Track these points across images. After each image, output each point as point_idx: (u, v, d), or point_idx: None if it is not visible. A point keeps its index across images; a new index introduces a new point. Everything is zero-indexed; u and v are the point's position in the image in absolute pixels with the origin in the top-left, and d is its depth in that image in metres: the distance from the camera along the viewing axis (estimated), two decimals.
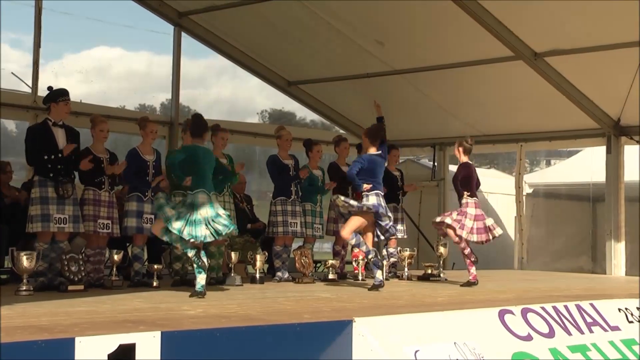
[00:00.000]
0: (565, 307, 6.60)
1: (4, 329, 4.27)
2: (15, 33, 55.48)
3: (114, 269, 7.79)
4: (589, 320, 6.64)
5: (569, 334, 6.30)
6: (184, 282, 8.12)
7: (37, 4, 10.81)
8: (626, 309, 7.02)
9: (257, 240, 10.24)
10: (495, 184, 14.65)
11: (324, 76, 13.04)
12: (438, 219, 9.16)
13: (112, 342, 4.11)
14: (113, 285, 7.65)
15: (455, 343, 5.39)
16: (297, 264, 9.09)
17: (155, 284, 7.91)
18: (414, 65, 12.02)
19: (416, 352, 5.13)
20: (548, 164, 24.71)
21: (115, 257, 7.79)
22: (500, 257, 13.91)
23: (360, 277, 9.32)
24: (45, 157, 7.35)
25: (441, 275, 9.77)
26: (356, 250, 9.77)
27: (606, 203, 12.36)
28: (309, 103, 13.94)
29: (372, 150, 8.33)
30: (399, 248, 10.14)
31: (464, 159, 9.09)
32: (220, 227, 7.14)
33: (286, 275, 9.21)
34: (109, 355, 4.07)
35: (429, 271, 9.86)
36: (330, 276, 9.28)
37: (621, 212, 12.16)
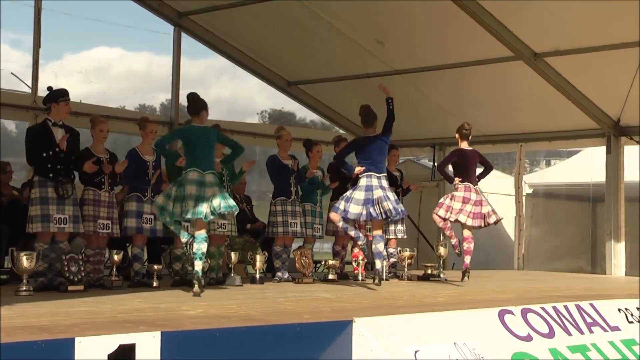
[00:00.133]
0: (565, 307, 6.60)
1: (4, 329, 4.27)
2: (15, 33, 55.46)
3: (114, 269, 7.79)
4: (588, 320, 6.63)
5: (569, 334, 6.29)
6: (184, 282, 8.11)
7: (36, 4, 10.81)
8: (626, 309, 7.02)
9: (257, 240, 10.25)
10: (495, 184, 14.64)
11: (324, 76, 13.05)
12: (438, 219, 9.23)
13: (112, 342, 4.11)
14: (113, 286, 7.64)
15: (455, 343, 5.39)
16: (297, 264, 9.09)
17: (155, 284, 7.91)
18: (414, 65, 12.02)
19: (416, 352, 5.13)
20: (548, 164, 24.72)
21: (115, 257, 7.78)
22: (500, 257, 13.92)
23: (360, 277, 9.32)
24: (44, 155, 7.35)
25: (441, 275, 9.77)
26: (356, 250, 9.79)
27: (606, 203, 12.37)
28: (308, 103, 13.94)
29: (367, 133, 8.35)
30: (398, 248, 10.14)
31: (463, 145, 9.19)
32: (216, 205, 7.16)
33: (286, 275, 9.21)
34: (109, 356, 4.07)
35: (429, 271, 9.86)
36: (330, 276, 9.28)
37: (621, 213, 12.17)
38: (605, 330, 6.62)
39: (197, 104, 7.62)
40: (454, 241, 9.20)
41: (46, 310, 5.51)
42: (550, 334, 6.13)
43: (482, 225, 9.13)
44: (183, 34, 12.37)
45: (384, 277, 9.70)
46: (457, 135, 9.35)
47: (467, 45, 11.12)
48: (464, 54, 11.38)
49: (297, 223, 9.21)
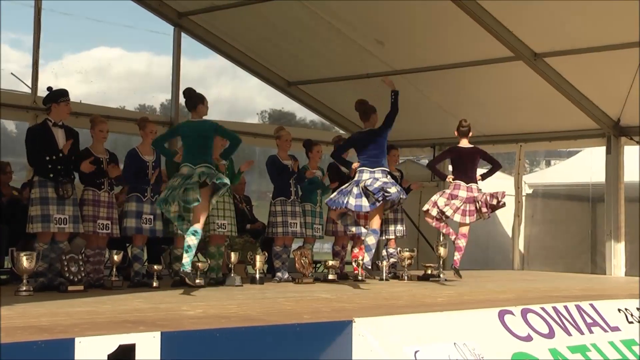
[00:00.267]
0: (565, 307, 6.59)
1: (4, 329, 4.27)
2: (15, 33, 55.49)
3: (114, 270, 7.79)
4: (588, 320, 6.63)
5: (569, 334, 6.29)
6: (184, 282, 8.11)
7: (36, 4, 10.81)
8: (626, 309, 7.02)
9: (257, 240, 10.25)
10: (494, 184, 14.62)
11: (323, 76, 13.05)
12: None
13: (112, 342, 4.11)
14: (113, 286, 7.64)
15: (455, 343, 5.39)
16: (296, 265, 9.09)
17: (155, 284, 7.91)
18: (414, 65, 12.02)
19: (416, 352, 5.13)
20: (548, 164, 24.70)
21: (115, 257, 7.78)
22: (500, 257, 13.92)
23: (360, 278, 9.32)
24: (46, 157, 7.35)
25: (441, 275, 9.76)
26: (356, 250, 9.80)
27: (606, 203, 12.37)
28: (308, 103, 13.94)
29: (365, 127, 8.39)
30: (398, 248, 10.14)
31: (462, 142, 9.19)
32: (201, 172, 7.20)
33: (286, 275, 9.21)
34: (108, 356, 4.07)
35: (429, 271, 9.85)
36: (330, 276, 9.28)
37: (621, 213, 12.17)
38: (605, 331, 6.62)
39: (192, 98, 7.65)
40: (453, 237, 9.16)
41: (46, 311, 5.51)
42: (550, 334, 6.13)
43: (475, 218, 9.03)
44: (183, 34, 12.37)
45: (384, 277, 9.73)
46: (456, 133, 9.34)
47: (467, 46, 11.12)
48: (464, 54, 11.38)
49: (296, 223, 9.21)
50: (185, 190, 7.16)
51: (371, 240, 8.00)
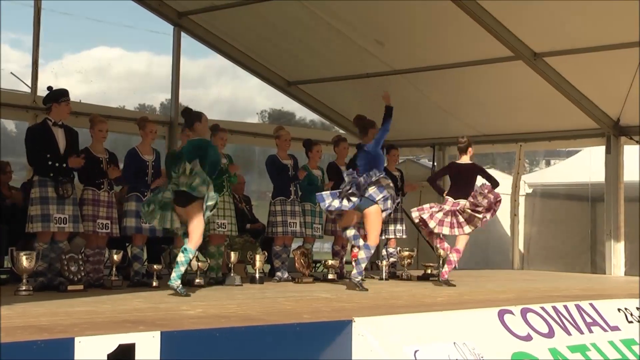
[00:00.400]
0: (565, 307, 6.60)
1: (4, 329, 4.27)
2: (15, 33, 55.48)
3: (114, 269, 7.79)
4: (588, 320, 6.64)
5: (569, 334, 6.30)
6: (184, 282, 8.10)
7: (36, 4, 10.81)
8: (626, 309, 7.02)
9: (257, 240, 10.25)
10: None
11: (323, 76, 13.05)
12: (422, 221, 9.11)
13: (112, 342, 4.11)
14: (113, 285, 7.65)
15: (454, 343, 5.39)
16: (296, 264, 9.09)
17: (154, 284, 7.91)
18: (413, 65, 12.02)
19: (416, 352, 5.13)
20: (547, 164, 24.70)
21: (115, 257, 7.78)
22: (499, 257, 13.92)
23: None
24: (46, 157, 7.35)
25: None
26: (355, 250, 9.79)
27: (606, 203, 12.37)
28: (308, 103, 13.94)
29: (364, 142, 8.51)
30: (398, 248, 10.15)
31: (462, 159, 9.12)
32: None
33: (286, 275, 9.21)
34: (108, 355, 4.07)
35: (429, 271, 9.86)
36: (330, 276, 9.28)
37: (620, 212, 12.17)
38: (605, 330, 6.62)
39: (187, 118, 7.50)
40: (447, 252, 9.04)
41: (46, 310, 5.52)
42: (550, 334, 6.13)
43: (466, 231, 8.86)
44: (183, 34, 12.37)
45: (384, 277, 9.73)
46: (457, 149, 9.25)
47: (467, 45, 11.12)
48: (463, 54, 11.38)
49: (296, 223, 9.22)
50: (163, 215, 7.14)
51: (361, 254, 8.07)
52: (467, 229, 8.82)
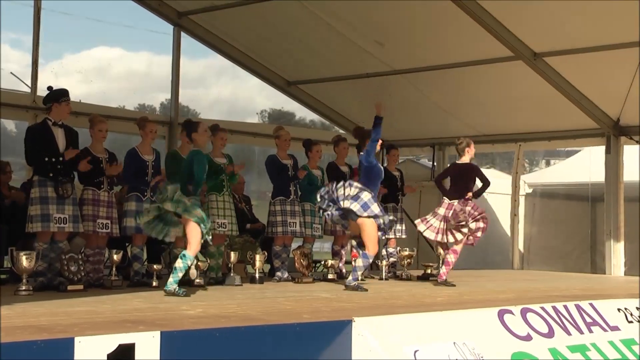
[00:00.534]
0: (565, 307, 6.60)
1: (3, 329, 4.27)
2: (15, 33, 55.55)
3: (114, 269, 7.79)
4: (588, 320, 6.64)
5: (569, 334, 6.30)
6: (184, 282, 8.10)
7: (36, 4, 10.81)
8: (625, 309, 7.03)
9: (257, 240, 10.25)
10: (494, 184, 14.62)
11: (323, 76, 13.04)
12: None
13: (112, 342, 4.11)
14: (112, 285, 7.65)
15: (454, 343, 5.39)
16: (296, 264, 9.09)
17: (154, 283, 7.90)
18: (413, 65, 12.02)
19: (415, 352, 5.13)
20: (547, 164, 24.73)
21: (115, 257, 7.78)
22: (499, 257, 13.92)
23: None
24: (44, 155, 7.34)
25: None
26: (354, 250, 9.79)
27: (605, 203, 12.37)
28: (308, 103, 13.94)
29: None
30: (398, 248, 10.14)
31: (461, 159, 9.17)
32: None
33: (286, 275, 9.21)
34: (108, 355, 4.07)
35: (429, 271, 9.86)
36: (330, 276, 9.28)
37: (620, 212, 12.17)
38: (605, 330, 6.62)
39: (187, 128, 7.58)
40: (443, 252, 9.19)
41: (46, 310, 5.52)
42: (550, 334, 6.13)
43: (444, 240, 8.93)
44: (183, 34, 12.36)
45: (384, 277, 9.73)
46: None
47: (467, 45, 11.12)
48: (463, 54, 11.38)
49: (296, 223, 9.22)
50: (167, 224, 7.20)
51: (358, 262, 8.10)
52: (459, 236, 8.85)
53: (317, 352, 4.92)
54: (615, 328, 6.71)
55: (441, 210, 8.97)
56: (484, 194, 9.74)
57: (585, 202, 14.63)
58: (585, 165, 13.99)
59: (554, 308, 6.49)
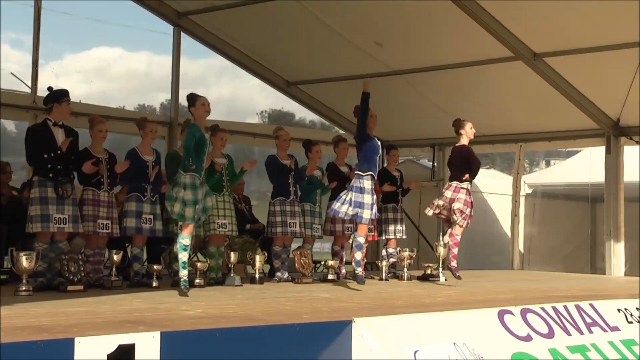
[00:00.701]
0: (565, 307, 6.60)
1: (3, 329, 4.27)
2: (15, 33, 55.57)
3: (114, 269, 7.79)
4: (588, 320, 6.64)
5: (569, 334, 6.30)
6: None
7: (36, 4, 10.81)
8: (625, 309, 7.02)
9: (257, 240, 10.25)
10: (494, 184, 14.66)
11: (323, 76, 13.04)
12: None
13: (112, 342, 4.11)
14: (112, 286, 7.64)
15: (454, 343, 5.39)
16: (296, 264, 9.09)
17: (154, 284, 7.91)
18: (413, 65, 12.02)
19: (415, 352, 5.13)
20: (547, 164, 24.72)
21: (115, 257, 7.78)
22: (499, 258, 13.93)
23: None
24: (45, 157, 7.35)
25: (440, 275, 9.75)
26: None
27: (605, 203, 12.37)
28: (308, 103, 13.94)
29: None
30: (398, 248, 10.14)
31: (461, 140, 9.63)
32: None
33: (285, 275, 9.21)
34: (108, 356, 4.07)
35: (429, 271, 9.85)
36: (330, 276, 9.28)
37: (620, 213, 12.16)
38: (605, 331, 6.62)
39: (188, 101, 7.62)
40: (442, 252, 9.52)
41: (46, 311, 5.52)
42: (550, 334, 6.13)
43: (440, 214, 9.59)
44: (183, 34, 12.36)
45: (384, 277, 9.73)
46: None
47: (466, 46, 11.12)
48: (463, 54, 11.38)
49: (296, 223, 9.21)
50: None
51: (357, 255, 8.21)
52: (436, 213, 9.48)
53: (317, 352, 4.92)
54: (615, 328, 6.71)
55: (448, 193, 9.50)
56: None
57: (585, 202, 14.65)
58: (585, 166, 14.00)
59: (554, 308, 6.48)
